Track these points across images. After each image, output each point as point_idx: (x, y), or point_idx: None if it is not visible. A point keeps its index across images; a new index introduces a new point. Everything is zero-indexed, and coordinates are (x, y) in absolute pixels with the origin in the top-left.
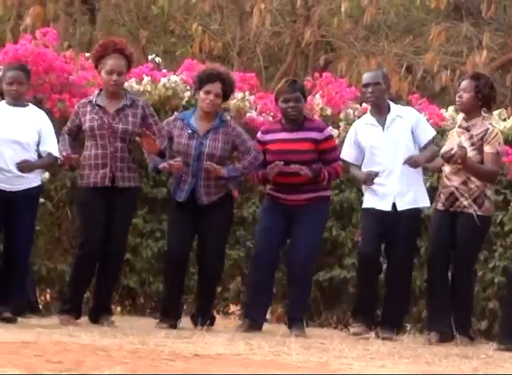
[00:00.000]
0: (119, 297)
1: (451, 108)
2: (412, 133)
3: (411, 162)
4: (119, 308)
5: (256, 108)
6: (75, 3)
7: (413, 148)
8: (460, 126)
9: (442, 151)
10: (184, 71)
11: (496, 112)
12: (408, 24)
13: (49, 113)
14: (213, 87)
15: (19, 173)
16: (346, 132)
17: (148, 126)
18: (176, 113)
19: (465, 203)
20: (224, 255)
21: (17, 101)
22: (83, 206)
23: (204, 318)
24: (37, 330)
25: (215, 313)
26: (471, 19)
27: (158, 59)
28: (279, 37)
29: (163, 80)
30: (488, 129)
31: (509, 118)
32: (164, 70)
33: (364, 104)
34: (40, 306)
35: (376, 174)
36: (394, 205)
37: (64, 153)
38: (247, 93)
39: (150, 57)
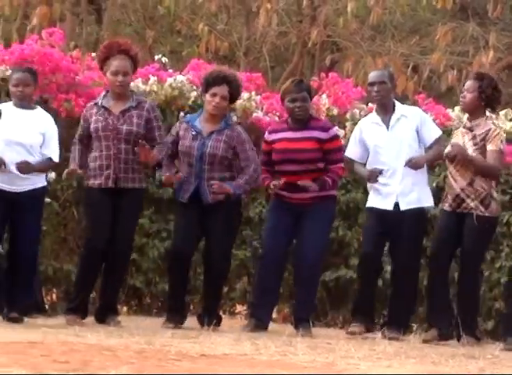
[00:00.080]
0: (126, 297)
1: (457, 109)
2: (417, 132)
3: (411, 164)
4: (125, 309)
5: (262, 109)
6: (81, 3)
7: (417, 148)
8: (464, 127)
9: (446, 151)
10: (190, 71)
11: (502, 113)
12: (414, 24)
13: (55, 113)
14: (219, 90)
15: (20, 174)
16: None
17: (150, 129)
18: (181, 114)
19: (472, 204)
20: (230, 255)
21: (24, 103)
22: (89, 206)
23: (210, 318)
24: (43, 330)
25: (221, 313)
26: (477, 19)
27: (164, 59)
28: (286, 37)
29: (169, 80)
30: (490, 128)
31: None
32: (170, 70)
33: (370, 104)
34: (47, 306)
35: (380, 172)
36: (397, 205)
37: (72, 165)
38: (253, 93)
39: (156, 57)
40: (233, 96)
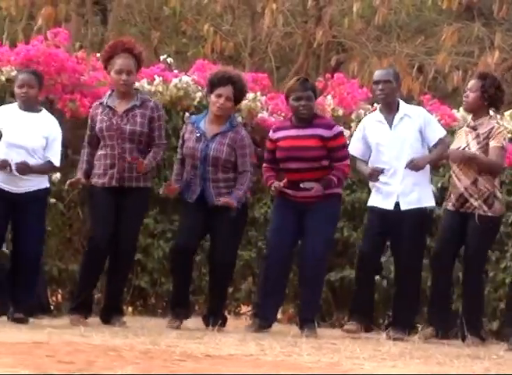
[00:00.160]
0: (131, 297)
1: (462, 109)
2: (421, 132)
3: (412, 166)
4: (130, 309)
5: (267, 109)
6: (86, 4)
7: (420, 148)
8: (467, 126)
9: (450, 150)
10: (196, 72)
11: (507, 113)
12: (420, 24)
13: (60, 114)
14: (224, 91)
15: (19, 175)
16: None
17: (151, 129)
18: (186, 114)
19: (475, 204)
20: (235, 255)
21: (28, 105)
22: (92, 205)
23: (215, 318)
24: (48, 331)
25: (226, 314)
26: (482, 20)
27: (169, 60)
28: (291, 38)
29: (175, 81)
30: (493, 127)
31: None
32: (175, 71)
33: (375, 105)
34: (52, 307)
35: (382, 171)
36: (398, 205)
37: (78, 174)
38: (258, 93)
39: (161, 58)
40: (238, 97)
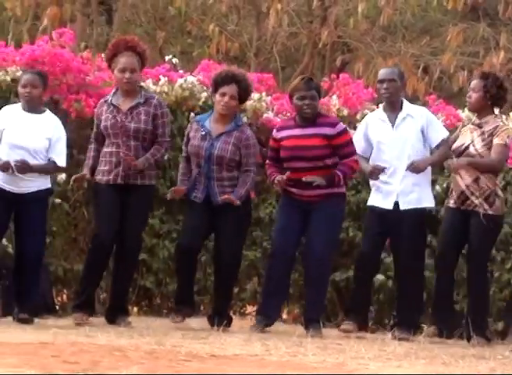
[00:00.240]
0: (136, 297)
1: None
2: (423, 133)
3: (412, 168)
4: (135, 309)
5: (273, 109)
6: (92, 4)
7: (421, 149)
8: (472, 123)
9: (454, 146)
10: (201, 72)
11: None
12: (425, 25)
13: (66, 114)
14: (228, 89)
15: (20, 175)
16: None
17: (155, 126)
18: (192, 114)
19: (476, 202)
20: (240, 255)
21: (31, 105)
22: (97, 202)
23: (220, 319)
24: (53, 331)
25: (231, 314)
26: (488, 20)
27: (174, 60)
28: (296, 38)
29: (180, 81)
30: (498, 125)
31: None
32: (181, 71)
33: (380, 105)
34: (57, 307)
35: (383, 169)
36: (397, 204)
37: (84, 170)
38: (263, 94)
39: (167, 58)
40: (243, 96)
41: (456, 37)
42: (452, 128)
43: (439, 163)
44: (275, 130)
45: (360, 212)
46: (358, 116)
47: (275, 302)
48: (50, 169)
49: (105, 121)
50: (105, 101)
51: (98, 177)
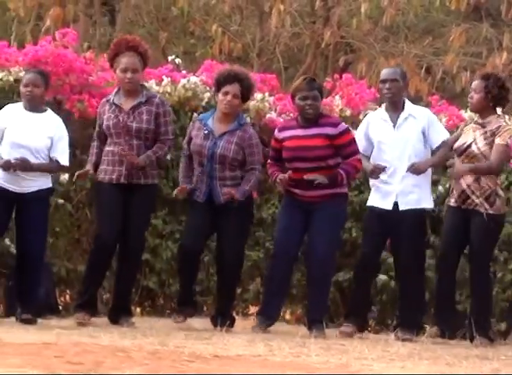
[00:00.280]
0: (139, 298)
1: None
2: (424, 134)
3: (413, 170)
4: (138, 309)
5: (275, 110)
6: (95, 4)
7: (422, 149)
8: (475, 123)
9: (456, 145)
10: (204, 72)
11: None
12: (428, 25)
13: (69, 114)
14: (231, 88)
15: (26, 176)
16: None
17: (157, 125)
18: (195, 115)
19: (477, 201)
20: (243, 255)
21: (33, 104)
22: (100, 201)
23: (223, 319)
24: (56, 331)
25: (234, 314)
26: (490, 21)
27: (177, 60)
28: (299, 38)
29: (183, 81)
30: (501, 125)
31: None
32: (183, 71)
33: (383, 105)
34: (60, 307)
35: (384, 168)
36: (396, 205)
37: (87, 166)
38: (266, 94)
39: (169, 58)
40: (245, 95)
41: (459, 38)
42: (454, 128)
43: (439, 165)
44: (276, 131)
45: (363, 213)
46: (361, 117)
47: (277, 302)
48: (53, 168)
49: (107, 120)
50: (107, 101)
51: (101, 176)
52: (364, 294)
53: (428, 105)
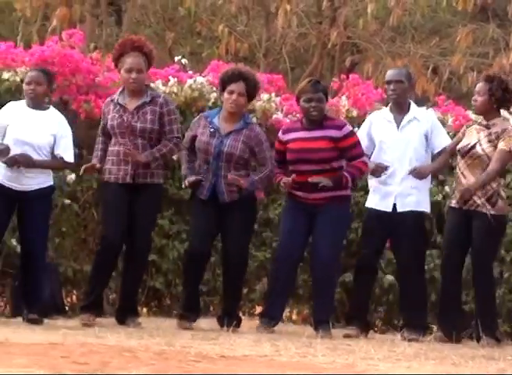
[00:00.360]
0: (145, 298)
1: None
2: (426, 137)
3: (416, 174)
4: (145, 310)
5: (282, 110)
6: (101, 4)
7: (423, 153)
8: (479, 124)
9: (460, 146)
10: (210, 72)
11: None
12: (434, 26)
13: (75, 114)
14: (236, 87)
15: (28, 174)
16: None
17: (161, 124)
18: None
19: (478, 202)
20: (247, 254)
21: (35, 102)
22: (106, 202)
23: (230, 319)
24: (63, 332)
25: (240, 315)
26: (497, 21)
27: (184, 61)
28: (305, 39)
29: (189, 82)
30: (507, 128)
31: None
32: (190, 72)
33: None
34: (67, 307)
35: (386, 168)
36: (395, 206)
37: (93, 160)
38: (273, 94)
39: (176, 58)
40: (251, 93)
41: (466, 38)
42: (460, 128)
43: (439, 171)
44: (280, 133)
45: None
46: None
47: (280, 304)
48: (58, 164)
49: (112, 120)
50: (111, 101)
51: (106, 176)
52: (365, 296)
53: (434, 105)
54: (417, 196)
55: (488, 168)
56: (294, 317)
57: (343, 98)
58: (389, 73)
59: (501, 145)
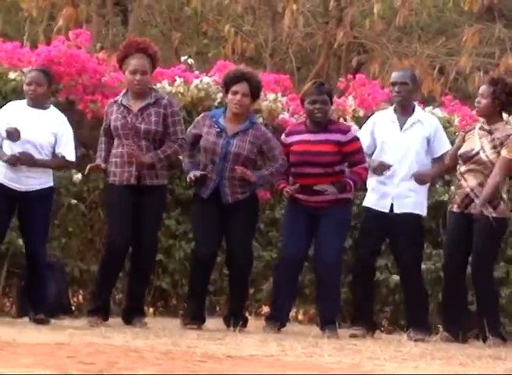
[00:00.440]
0: (152, 298)
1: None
2: (428, 141)
3: (417, 178)
4: (151, 310)
5: (288, 110)
6: (107, 4)
7: (424, 157)
8: (481, 129)
9: (462, 151)
10: (217, 72)
11: None
12: (441, 26)
13: (81, 114)
14: (239, 87)
15: (29, 174)
16: None
17: (165, 126)
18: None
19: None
20: (252, 253)
21: (36, 102)
22: (111, 204)
23: (236, 319)
24: (69, 332)
25: (247, 314)
26: (503, 21)
27: (190, 61)
28: (312, 39)
29: (195, 82)
30: (511, 135)
31: None
32: (196, 72)
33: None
34: (73, 307)
35: (388, 167)
36: (392, 207)
37: (97, 160)
38: (279, 94)
39: (182, 58)
40: (255, 93)
41: (472, 38)
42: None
43: (439, 176)
44: (284, 135)
45: None
46: None
47: (286, 307)
48: (60, 163)
49: (115, 121)
50: (115, 102)
51: (111, 179)
52: (365, 296)
53: (441, 105)
54: (414, 198)
55: (491, 180)
56: (300, 317)
57: (350, 98)
58: (394, 75)
59: (504, 153)
